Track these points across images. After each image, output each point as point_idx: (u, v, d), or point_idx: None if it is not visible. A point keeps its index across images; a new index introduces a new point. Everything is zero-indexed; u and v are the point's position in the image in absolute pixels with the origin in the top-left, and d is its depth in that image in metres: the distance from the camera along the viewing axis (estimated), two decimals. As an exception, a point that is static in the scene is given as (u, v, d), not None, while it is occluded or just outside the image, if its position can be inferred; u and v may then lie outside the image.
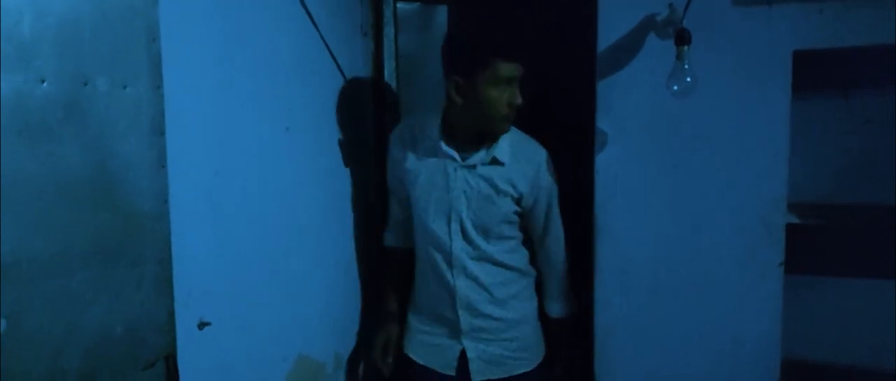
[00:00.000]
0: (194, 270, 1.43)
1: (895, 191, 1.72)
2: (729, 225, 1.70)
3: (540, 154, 1.77)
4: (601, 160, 1.77)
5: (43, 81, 1.05)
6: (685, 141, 1.69)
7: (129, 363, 1.23)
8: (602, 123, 1.75)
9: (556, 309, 1.86)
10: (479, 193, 1.72)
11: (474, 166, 1.72)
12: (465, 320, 1.79)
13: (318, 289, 1.89)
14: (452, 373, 1.82)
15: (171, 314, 1.32)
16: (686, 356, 1.78)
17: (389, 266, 1.96)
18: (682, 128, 1.68)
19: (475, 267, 1.77)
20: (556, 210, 1.81)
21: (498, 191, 1.73)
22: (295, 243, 1.78)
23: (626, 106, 1.73)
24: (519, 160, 1.73)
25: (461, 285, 1.78)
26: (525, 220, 1.80)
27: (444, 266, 1.78)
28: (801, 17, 1.59)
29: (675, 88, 1.54)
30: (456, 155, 1.73)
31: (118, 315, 1.20)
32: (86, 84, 1.12)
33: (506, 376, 1.82)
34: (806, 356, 1.78)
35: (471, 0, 2.21)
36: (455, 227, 1.75)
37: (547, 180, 1.77)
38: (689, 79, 1.51)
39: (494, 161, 1.72)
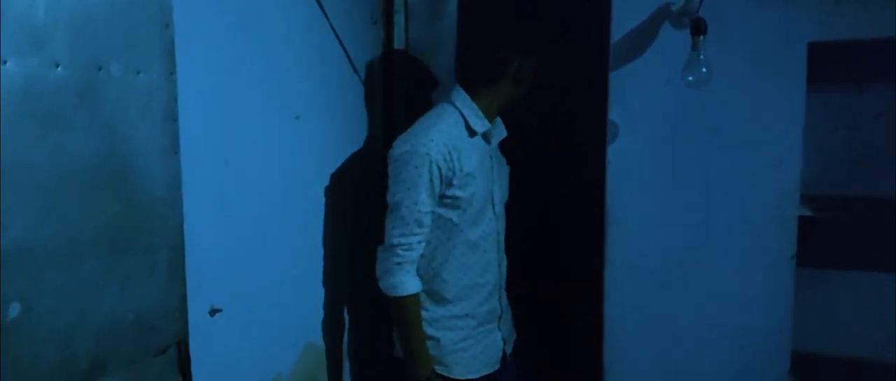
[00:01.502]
0: (206, 256, 1.43)
1: (908, 184, 1.71)
2: (740, 217, 1.69)
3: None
4: (613, 152, 1.77)
5: (57, 66, 1.04)
6: (698, 133, 1.68)
7: (140, 350, 1.22)
8: (614, 114, 1.74)
9: None
10: (503, 167, 1.77)
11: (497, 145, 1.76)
12: (503, 301, 1.79)
13: (327, 277, 1.89)
14: (499, 365, 1.77)
15: (183, 301, 1.32)
16: (696, 349, 1.78)
17: (416, 315, 1.64)
18: (694, 119, 1.67)
19: (504, 247, 1.79)
20: None
21: (508, 162, 1.81)
22: (304, 231, 1.78)
23: (638, 97, 1.72)
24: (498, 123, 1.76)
25: (503, 269, 1.78)
26: None
27: (493, 253, 1.72)
28: (817, 8, 1.58)
29: (690, 78, 1.53)
30: (489, 136, 1.71)
31: (130, 302, 1.20)
32: (99, 69, 1.11)
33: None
34: (816, 349, 1.78)
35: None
36: (499, 209, 1.73)
37: None
38: (704, 69, 1.50)
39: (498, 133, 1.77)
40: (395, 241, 1.59)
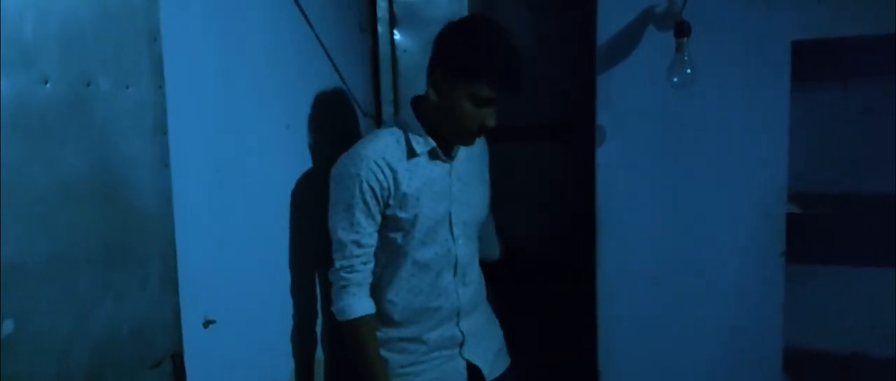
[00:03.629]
0: (199, 268, 1.43)
1: None
2: (730, 216, 1.71)
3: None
4: (601, 154, 1.78)
5: (46, 82, 1.04)
6: (685, 133, 1.70)
7: (135, 363, 1.23)
8: (602, 117, 1.76)
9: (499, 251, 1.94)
10: (472, 185, 1.66)
11: (463, 159, 1.65)
12: (467, 326, 1.69)
13: (322, 287, 1.89)
14: None
15: (177, 313, 1.32)
16: (689, 347, 1.79)
17: (369, 337, 1.61)
18: (682, 120, 1.69)
19: (472, 270, 1.70)
20: None
21: (482, 179, 1.71)
22: (297, 240, 1.79)
23: (625, 100, 1.74)
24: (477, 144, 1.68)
25: (463, 294, 1.68)
26: None
27: (448, 276, 1.64)
28: (799, 7, 1.60)
29: (675, 80, 1.54)
30: (447, 159, 1.61)
31: (124, 315, 1.20)
32: (88, 85, 1.12)
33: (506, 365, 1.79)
34: (808, 345, 1.79)
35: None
36: (458, 231, 1.64)
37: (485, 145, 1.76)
38: (688, 70, 1.52)
39: (470, 150, 1.66)
40: (337, 264, 1.57)
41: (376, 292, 1.63)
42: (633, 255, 1.79)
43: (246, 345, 1.60)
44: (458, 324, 1.67)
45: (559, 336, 1.99)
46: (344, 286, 1.56)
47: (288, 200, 1.75)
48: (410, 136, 1.56)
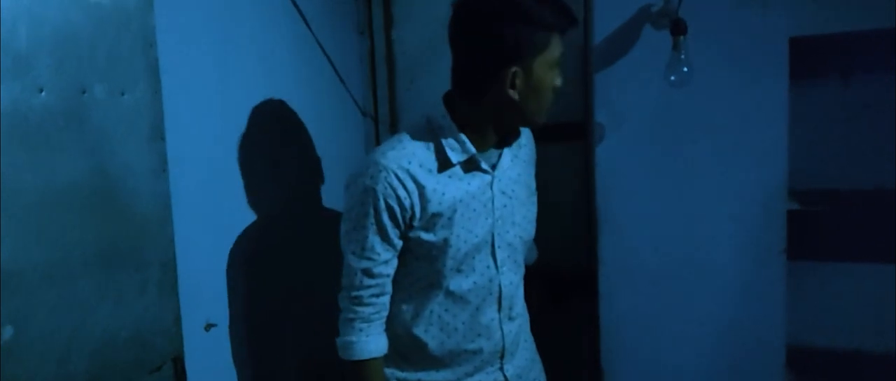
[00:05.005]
0: (200, 272, 1.44)
1: (896, 175, 1.72)
2: (730, 213, 1.70)
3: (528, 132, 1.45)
4: (600, 153, 1.78)
5: (41, 91, 1.05)
6: (684, 131, 1.69)
7: (135, 367, 1.24)
8: (600, 116, 1.76)
9: (534, 257, 1.65)
10: (515, 199, 1.36)
11: (507, 169, 1.35)
12: (512, 370, 1.42)
13: (321, 290, 1.90)
14: None
15: (177, 317, 1.33)
16: (691, 345, 1.79)
17: None
18: (680, 118, 1.68)
19: (518, 301, 1.42)
20: None
21: (530, 190, 1.42)
22: (297, 244, 1.79)
23: (623, 98, 1.74)
24: (521, 143, 1.40)
25: (509, 331, 1.39)
26: None
27: (492, 311, 1.36)
28: (796, 3, 1.59)
29: (673, 78, 1.54)
30: (490, 168, 1.32)
31: (123, 320, 1.21)
32: (84, 92, 1.13)
33: None
34: (810, 342, 1.78)
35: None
36: (503, 255, 1.35)
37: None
38: (685, 69, 1.51)
39: (515, 155, 1.38)
40: (344, 292, 1.32)
41: (400, 324, 1.36)
42: (633, 253, 1.79)
43: (247, 349, 1.61)
44: (501, 368, 1.40)
45: (561, 337, 1.99)
46: (350, 320, 1.30)
47: (288, 202, 1.76)
48: (444, 143, 1.27)
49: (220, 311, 1.53)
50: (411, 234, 1.28)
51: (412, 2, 2.09)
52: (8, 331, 0.99)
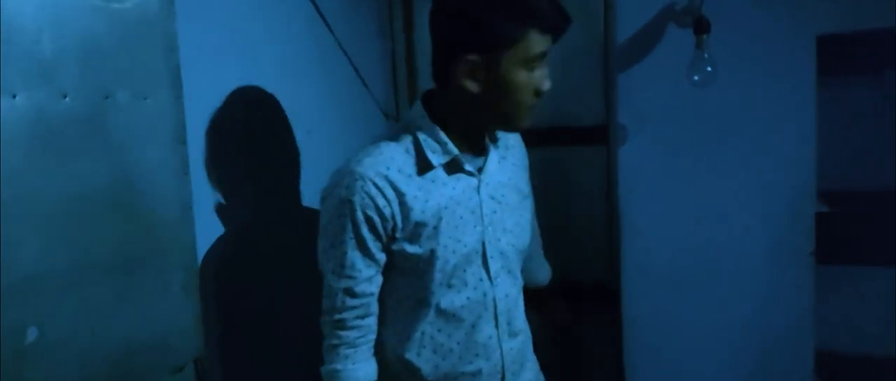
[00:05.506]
0: (220, 274, 1.45)
1: (929, 176, 1.67)
2: (757, 215, 1.67)
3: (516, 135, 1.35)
4: (623, 154, 1.76)
5: (65, 97, 1.07)
6: (709, 132, 1.67)
7: (157, 369, 1.25)
8: (622, 117, 1.74)
9: (548, 275, 1.53)
10: (505, 204, 1.25)
11: (495, 172, 1.26)
12: None
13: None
14: None
15: (198, 319, 1.35)
16: (717, 350, 1.76)
17: None
18: (705, 118, 1.66)
19: (518, 315, 1.30)
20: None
21: (522, 194, 1.31)
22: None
23: (646, 98, 1.72)
24: (508, 145, 1.32)
25: (509, 349, 1.28)
26: None
27: (489, 328, 1.24)
28: (823, 1, 1.55)
29: (696, 78, 1.52)
30: (476, 171, 1.22)
31: (144, 322, 1.22)
32: (106, 98, 1.14)
33: None
34: (839, 347, 1.74)
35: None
36: (496, 266, 1.24)
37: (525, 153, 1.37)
38: (709, 68, 1.49)
39: (503, 157, 1.29)
40: (326, 316, 1.22)
41: (389, 349, 1.26)
42: (657, 257, 1.77)
43: (268, 351, 1.62)
44: None
45: (583, 341, 1.97)
46: (334, 346, 1.20)
47: (311, 205, 1.77)
48: (423, 143, 1.18)
49: (241, 313, 1.54)
50: (394, 246, 1.18)
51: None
52: (32, 333, 1.01)
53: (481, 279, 1.22)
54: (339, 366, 1.20)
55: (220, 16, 1.47)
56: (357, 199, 1.14)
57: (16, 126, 0.99)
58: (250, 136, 1.56)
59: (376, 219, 1.15)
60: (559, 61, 1.88)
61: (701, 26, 1.48)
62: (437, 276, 1.19)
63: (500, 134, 1.28)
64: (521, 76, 1.13)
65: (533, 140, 1.99)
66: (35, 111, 1.02)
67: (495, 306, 1.24)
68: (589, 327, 1.98)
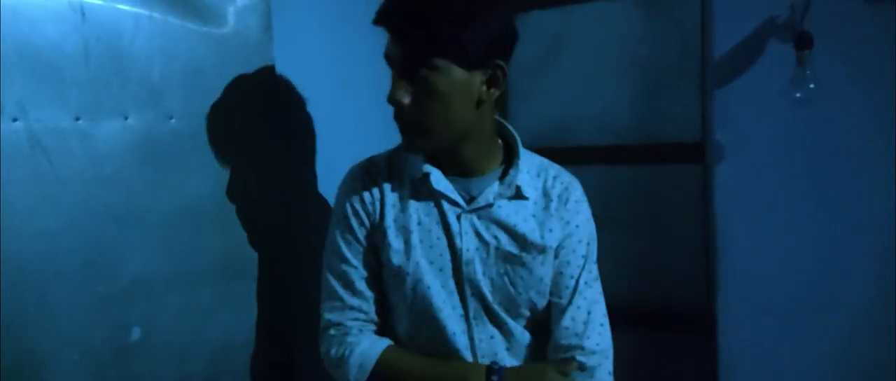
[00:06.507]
0: (309, 280, 1.53)
1: None
2: (865, 245, 1.54)
3: (564, 179, 1.17)
4: (720, 175, 1.68)
5: (171, 118, 1.18)
6: (812, 152, 1.56)
7: (250, 368, 1.34)
8: (719, 134, 1.66)
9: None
10: (498, 250, 1.11)
11: (487, 207, 1.11)
12: None
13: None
14: None
15: (290, 322, 1.43)
16: (819, 386, 1.64)
17: (402, 363, 1.14)
18: (808, 138, 1.55)
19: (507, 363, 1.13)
20: (594, 271, 1.16)
21: (527, 245, 1.11)
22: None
23: (745, 116, 1.63)
24: (541, 191, 1.15)
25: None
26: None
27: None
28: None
29: (798, 95, 1.43)
30: (455, 193, 1.12)
31: (239, 325, 1.32)
32: (209, 118, 1.25)
33: None
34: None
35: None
36: (474, 306, 1.12)
37: (584, 220, 1.16)
38: (812, 86, 1.39)
39: (517, 196, 1.13)
40: (324, 316, 1.18)
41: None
42: (755, 285, 1.66)
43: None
44: None
45: (677, 375, 1.88)
46: (340, 359, 1.14)
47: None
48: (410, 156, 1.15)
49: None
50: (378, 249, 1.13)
51: (527, 18, 2.09)
52: (136, 332, 1.11)
53: (447, 317, 1.11)
54: (345, 372, 1.14)
55: (314, 40, 1.55)
56: (358, 184, 1.16)
57: (128, 145, 1.11)
58: (343, 153, 1.63)
59: (361, 211, 1.14)
60: (654, 76, 1.85)
61: (803, 41, 1.39)
62: (400, 300, 1.14)
63: (541, 170, 1.18)
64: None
65: (624, 157, 1.97)
66: (144, 131, 1.14)
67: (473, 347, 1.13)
68: (682, 359, 1.89)
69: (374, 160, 1.19)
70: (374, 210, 1.14)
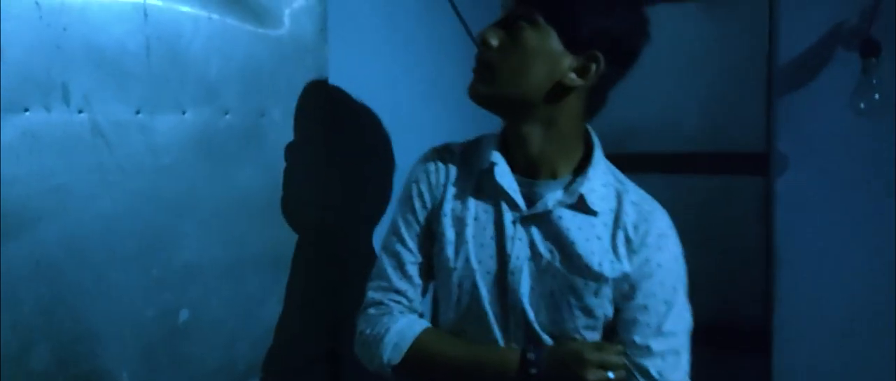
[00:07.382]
0: (358, 273, 1.57)
1: None
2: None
3: (646, 208, 1.08)
4: (782, 185, 1.61)
5: (226, 113, 1.25)
6: (879, 165, 1.48)
7: (294, 356, 1.39)
8: (782, 143, 1.60)
9: None
10: (550, 267, 1.04)
11: (546, 214, 1.05)
12: None
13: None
14: None
15: (334, 314, 1.47)
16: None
17: (430, 354, 1.10)
18: (874, 150, 1.48)
19: None
20: (683, 322, 1.05)
21: (581, 268, 1.02)
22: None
23: (811, 125, 1.57)
24: (613, 213, 1.07)
25: None
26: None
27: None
28: None
29: (862, 105, 1.36)
30: (516, 192, 1.07)
31: (287, 313, 1.37)
32: (262, 115, 1.31)
33: None
34: None
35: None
36: (514, 320, 1.06)
37: (669, 259, 1.05)
38: (877, 95, 1.32)
39: (580, 206, 1.05)
40: (368, 294, 1.17)
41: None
42: (816, 303, 1.59)
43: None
44: None
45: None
46: (374, 337, 1.11)
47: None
48: (484, 147, 1.14)
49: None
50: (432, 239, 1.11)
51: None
52: (184, 314, 1.18)
53: (490, 321, 1.08)
54: (377, 351, 1.12)
55: (368, 41, 1.59)
56: (430, 167, 1.17)
57: (185, 138, 1.17)
58: (392, 155, 1.67)
59: (427, 195, 1.15)
60: (718, 81, 1.80)
61: (869, 48, 1.32)
62: (447, 294, 1.12)
63: (624, 194, 1.09)
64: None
65: (687, 166, 1.91)
66: (201, 126, 1.20)
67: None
68: (737, 374, 1.83)
69: (450, 146, 1.19)
70: (438, 194, 1.12)
